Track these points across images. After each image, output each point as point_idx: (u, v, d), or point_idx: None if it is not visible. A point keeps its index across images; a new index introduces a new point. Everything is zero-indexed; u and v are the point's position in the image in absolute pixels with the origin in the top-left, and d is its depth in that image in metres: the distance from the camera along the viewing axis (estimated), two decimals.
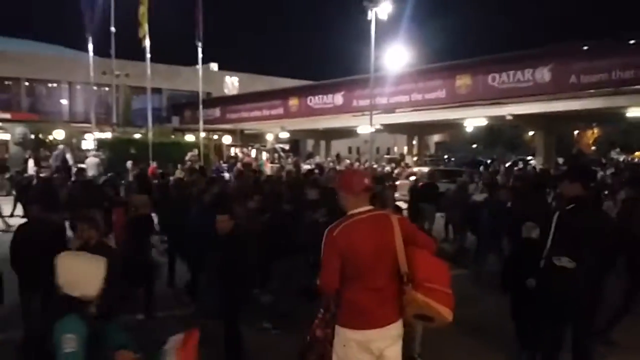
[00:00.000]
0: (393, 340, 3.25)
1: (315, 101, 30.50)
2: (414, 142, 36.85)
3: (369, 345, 3.17)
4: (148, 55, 22.31)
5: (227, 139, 34.38)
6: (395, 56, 25.06)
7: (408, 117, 27.82)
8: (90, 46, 23.29)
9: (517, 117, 23.83)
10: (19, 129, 33.21)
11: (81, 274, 2.92)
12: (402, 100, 25.78)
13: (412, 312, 3.22)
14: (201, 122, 25.65)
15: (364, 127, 27.24)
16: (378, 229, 3.23)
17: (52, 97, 40.79)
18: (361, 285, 3.18)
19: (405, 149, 39.13)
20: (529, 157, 35.47)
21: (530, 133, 41.45)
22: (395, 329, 3.24)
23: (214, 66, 45.75)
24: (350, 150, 49.38)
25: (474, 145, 60.73)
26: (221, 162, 27.66)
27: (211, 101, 36.31)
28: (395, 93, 25.76)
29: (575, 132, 51.97)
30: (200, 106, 25.90)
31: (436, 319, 3.22)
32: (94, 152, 21.67)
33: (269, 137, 37.39)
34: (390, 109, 26.43)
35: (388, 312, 3.20)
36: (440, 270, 3.26)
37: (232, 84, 44.07)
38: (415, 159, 33.05)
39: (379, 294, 3.18)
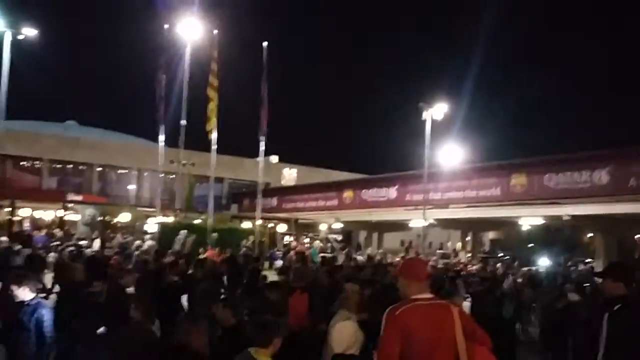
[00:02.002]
0: None
1: (369, 194, 31.11)
2: (468, 238, 36.45)
3: None
4: (214, 147, 23.72)
5: (282, 228, 35.14)
6: (450, 153, 25.68)
7: (462, 214, 27.86)
8: (162, 137, 24.95)
9: (575, 217, 23.51)
10: (89, 211, 34.99)
11: (355, 338, 4.14)
12: (456, 196, 25.99)
13: None
14: (258, 210, 26.52)
15: (417, 221, 27.41)
16: (439, 317, 3.20)
17: (121, 183, 43.31)
18: None
19: (459, 244, 38.68)
20: (588, 260, 34.25)
21: (590, 234, 40.27)
22: None
23: (274, 158, 47.59)
24: (402, 243, 49.14)
25: (530, 245, 58.89)
26: (275, 249, 28.24)
27: (269, 191, 37.62)
28: (449, 189, 26.06)
29: (637, 235, 49.88)
30: (259, 195, 26.92)
31: None
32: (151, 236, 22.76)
33: (323, 227, 37.93)
34: (443, 205, 26.64)
35: None
36: None
37: (290, 175, 45.63)
38: (469, 255, 32.59)
39: None
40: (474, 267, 21.88)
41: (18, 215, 33.69)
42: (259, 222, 27.15)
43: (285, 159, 48.06)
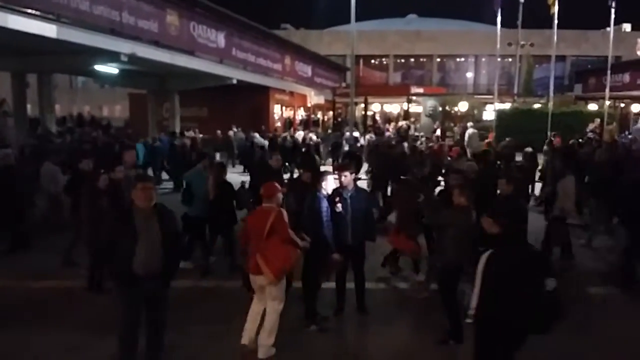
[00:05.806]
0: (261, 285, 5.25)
1: None
2: None
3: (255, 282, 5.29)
4: (556, 22, 22.14)
5: (636, 107, 31.11)
6: None
7: None
8: (499, 18, 24.28)
9: None
10: (430, 102, 37.07)
11: None
12: None
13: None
14: (607, 89, 24.05)
15: None
16: (262, 217, 5.17)
17: (459, 71, 44.29)
18: (252, 248, 5.19)
19: None
20: None
21: None
22: (260, 280, 5.18)
23: (627, 27, 41.45)
24: None
25: None
26: (626, 132, 25.50)
27: (620, 66, 33.20)
28: None
29: None
30: (609, 71, 24.28)
31: (265, 276, 5.08)
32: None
33: None
34: None
35: (254, 266, 5.18)
36: (279, 249, 5.07)
37: None
38: None
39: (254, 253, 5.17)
40: None
41: (370, 110, 38.12)
42: (607, 102, 24.71)
43: None
